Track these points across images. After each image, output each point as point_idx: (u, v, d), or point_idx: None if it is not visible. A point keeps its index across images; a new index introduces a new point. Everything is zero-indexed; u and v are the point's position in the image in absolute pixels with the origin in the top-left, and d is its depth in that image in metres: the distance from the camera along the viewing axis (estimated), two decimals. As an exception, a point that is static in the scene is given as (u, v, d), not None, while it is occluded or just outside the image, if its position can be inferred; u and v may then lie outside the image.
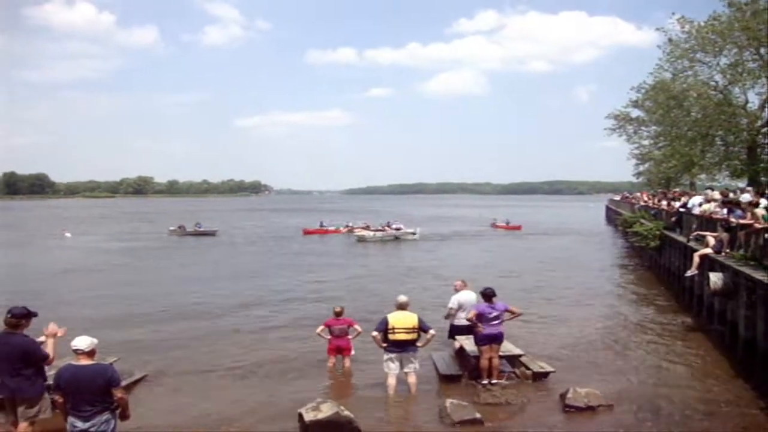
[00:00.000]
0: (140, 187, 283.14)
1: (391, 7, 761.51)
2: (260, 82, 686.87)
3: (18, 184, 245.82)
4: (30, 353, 7.31)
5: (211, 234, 50.36)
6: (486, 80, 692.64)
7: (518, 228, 56.00)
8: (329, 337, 11.58)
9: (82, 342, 6.49)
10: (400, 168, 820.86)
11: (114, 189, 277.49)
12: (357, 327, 11.54)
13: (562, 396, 9.52)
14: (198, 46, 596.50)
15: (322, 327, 11.72)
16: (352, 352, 11.63)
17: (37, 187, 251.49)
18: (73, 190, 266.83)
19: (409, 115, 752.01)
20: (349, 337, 11.58)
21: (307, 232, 52.74)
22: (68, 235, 48.60)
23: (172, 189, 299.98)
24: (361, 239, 44.27)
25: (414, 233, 46.28)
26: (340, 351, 11.57)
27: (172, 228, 51.79)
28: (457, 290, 11.98)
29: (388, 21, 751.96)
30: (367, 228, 47.69)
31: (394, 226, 47.60)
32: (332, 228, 54.85)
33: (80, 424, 6.34)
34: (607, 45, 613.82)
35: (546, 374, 10.94)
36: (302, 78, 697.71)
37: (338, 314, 11.66)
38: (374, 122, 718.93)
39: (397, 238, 44.87)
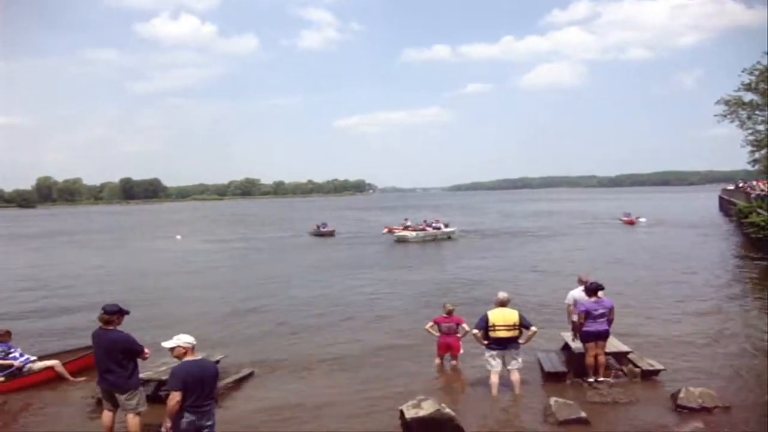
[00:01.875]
0: (247, 189, 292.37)
1: (482, 3, 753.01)
2: (357, 82, 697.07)
3: (133, 189, 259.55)
4: (129, 347, 7.76)
5: (330, 234, 49.22)
6: (585, 70, 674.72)
7: (632, 222, 53.02)
8: (438, 334, 11.59)
9: (189, 338, 6.75)
10: (503, 163, 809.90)
11: (222, 191, 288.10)
12: (465, 326, 11.38)
13: (674, 396, 9.12)
14: (295, 51, 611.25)
15: (431, 323, 11.72)
16: (461, 351, 11.56)
17: (151, 191, 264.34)
18: (183, 194, 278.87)
19: (509, 110, 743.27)
20: (458, 335, 11.52)
21: (389, 230, 50.83)
22: (179, 237, 50.63)
23: (279, 190, 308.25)
24: (401, 240, 41.67)
25: (452, 232, 44.41)
26: (449, 349, 11.52)
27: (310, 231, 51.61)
28: (582, 283, 11.43)
29: (479, 16, 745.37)
30: (406, 228, 44.86)
31: (433, 225, 45.21)
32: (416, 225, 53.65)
33: (203, 421, 6.55)
34: (713, 27, 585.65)
35: (656, 372, 10.53)
36: (399, 77, 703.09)
37: (449, 312, 11.64)
38: (474, 118, 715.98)
39: (436, 238, 42.50)
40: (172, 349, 6.72)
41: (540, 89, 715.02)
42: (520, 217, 71.40)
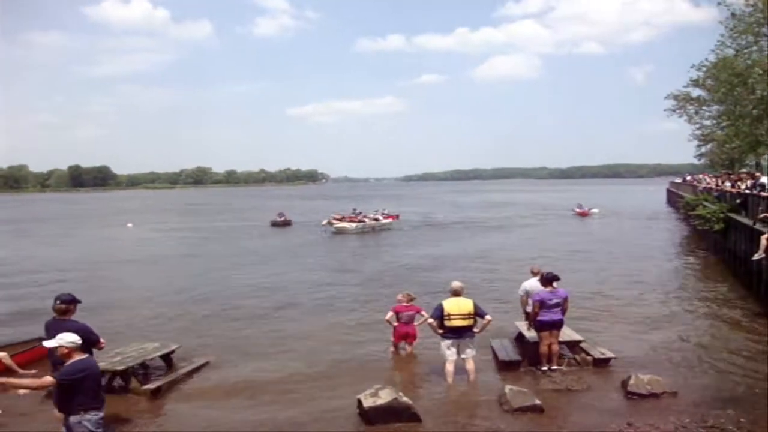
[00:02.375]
0: (199, 178, 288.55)
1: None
2: (312, 71, 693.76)
3: (82, 177, 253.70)
4: (86, 337, 7.59)
5: (287, 224, 48.42)
6: (539, 63, 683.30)
7: (585, 214, 52.72)
8: (396, 323, 11.67)
9: (74, 337, 6.55)
10: (455, 154, 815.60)
11: (174, 180, 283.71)
12: (424, 313, 11.44)
13: (624, 383, 9.37)
14: (250, 38, 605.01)
15: (391, 314, 11.77)
16: (417, 340, 11.66)
17: (100, 179, 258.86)
18: (134, 182, 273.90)
19: (462, 101, 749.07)
20: (416, 324, 11.60)
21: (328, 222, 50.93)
22: (130, 225, 49.83)
23: (231, 179, 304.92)
24: (340, 231, 40.36)
25: (390, 223, 44.28)
26: (406, 337, 11.64)
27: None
28: (534, 274, 11.66)
29: (434, 7, 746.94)
30: (342, 219, 43.16)
31: (371, 215, 44.91)
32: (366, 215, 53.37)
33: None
34: (663, 23, 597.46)
35: (607, 360, 10.79)
36: (353, 66, 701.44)
37: (410, 300, 11.74)
38: (428, 108, 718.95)
39: (373, 229, 42.17)
40: (55, 349, 6.50)
41: (494, 81, 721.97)
42: (469, 207, 71.94)
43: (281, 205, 74.55)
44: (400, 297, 11.92)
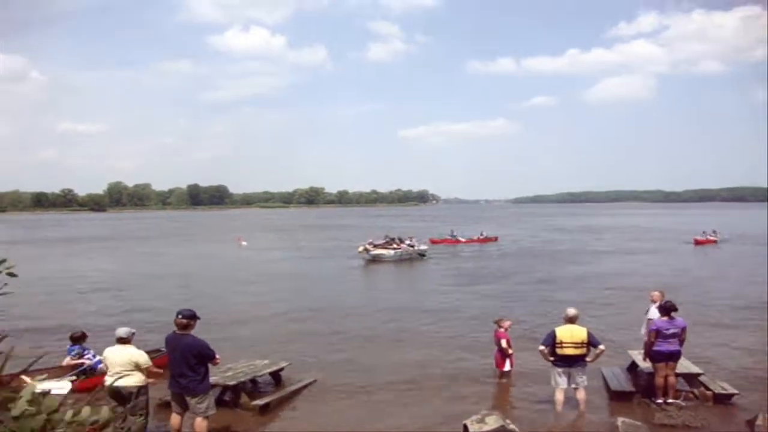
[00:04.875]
0: (312, 198, 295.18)
1: (546, 16, 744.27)
2: (423, 93, 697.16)
3: (200, 196, 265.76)
4: (203, 352, 7.90)
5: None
6: (653, 84, 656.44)
7: (709, 242, 47.74)
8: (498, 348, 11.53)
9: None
10: (567, 177, 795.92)
11: (287, 199, 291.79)
12: (503, 342, 11.40)
13: (750, 422, 8.77)
14: (363, 62, 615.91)
15: (504, 341, 11.58)
16: (506, 368, 11.49)
17: (217, 198, 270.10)
18: (249, 201, 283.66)
19: (574, 123, 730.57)
20: (510, 351, 11.41)
21: (434, 242, 49.48)
22: (244, 243, 51.49)
23: (343, 199, 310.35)
24: (377, 258, 36.89)
25: (424, 251, 39.97)
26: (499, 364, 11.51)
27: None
28: (654, 302, 11.31)
29: (544, 29, 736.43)
30: (374, 246, 38.73)
31: (407, 242, 40.38)
32: (463, 238, 52.13)
33: None
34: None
35: (729, 396, 10.16)
36: (463, 88, 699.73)
37: (504, 327, 11.56)
38: (539, 131, 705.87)
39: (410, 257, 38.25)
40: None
41: (606, 103, 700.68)
42: (577, 231, 69.88)
43: (390, 225, 75.14)
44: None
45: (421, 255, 38.89)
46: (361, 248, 37.85)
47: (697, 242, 47.19)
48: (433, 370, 12.44)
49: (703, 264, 34.90)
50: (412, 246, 39.68)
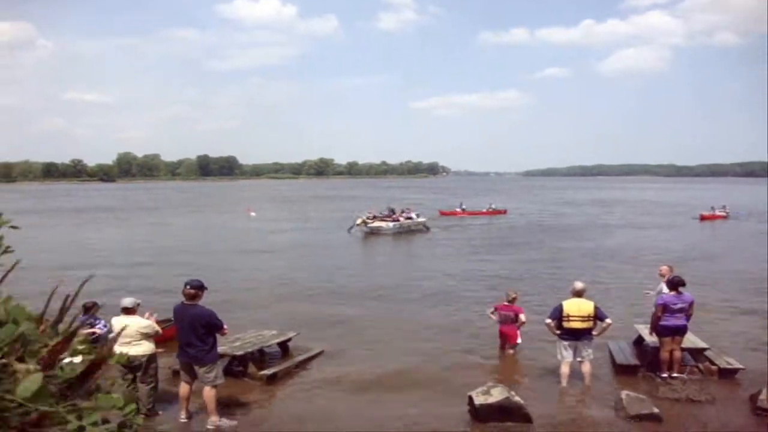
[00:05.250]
0: (321, 169, 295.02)
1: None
2: (434, 64, 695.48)
3: (210, 166, 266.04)
4: (211, 322, 7.97)
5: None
6: (668, 55, 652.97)
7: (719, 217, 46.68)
8: (496, 319, 11.62)
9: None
10: (579, 149, 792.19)
11: (297, 170, 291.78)
12: (522, 317, 11.39)
13: (753, 397, 8.79)
14: (374, 32, 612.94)
15: (492, 309, 11.82)
16: (518, 341, 11.47)
17: (226, 168, 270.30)
18: (258, 172, 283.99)
19: (587, 95, 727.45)
20: (516, 325, 11.45)
21: (443, 214, 49.66)
22: (253, 214, 51.60)
23: (352, 170, 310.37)
24: (375, 231, 36.21)
25: (424, 222, 39.26)
26: (504, 338, 11.54)
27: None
28: (662, 276, 11.25)
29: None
30: (373, 218, 37.96)
31: (405, 215, 39.46)
32: (472, 210, 51.52)
33: None
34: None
35: (734, 371, 10.18)
36: (475, 59, 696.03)
37: (511, 300, 11.59)
38: (551, 103, 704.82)
39: (411, 229, 37.66)
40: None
41: (620, 74, 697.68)
42: (586, 205, 69.63)
43: (400, 197, 75.13)
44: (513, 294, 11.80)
45: (426, 228, 38.54)
46: (359, 221, 37.19)
47: (703, 217, 46.52)
48: (438, 344, 12.49)
49: (710, 239, 34.76)
50: (410, 218, 39.04)
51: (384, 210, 40.99)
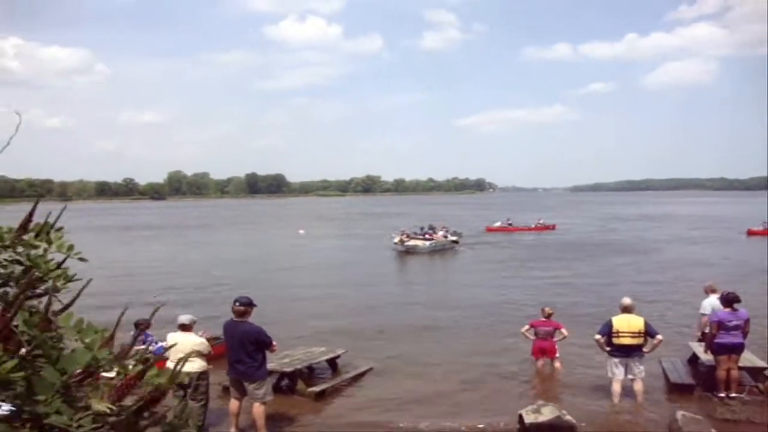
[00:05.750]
0: (368, 186, 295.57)
1: (604, 0, 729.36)
2: (479, 81, 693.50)
3: (258, 184, 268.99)
4: (260, 339, 8.05)
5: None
6: (716, 67, 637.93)
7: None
8: (533, 338, 11.46)
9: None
10: (626, 164, 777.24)
11: (344, 188, 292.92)
12: (563, 331, 11.30)
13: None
14: (418, 51, 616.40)
15: (527, 327, 11.67)
16: (557, 355, 11.36)
17: (275, 186, 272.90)
18: (306, 189, 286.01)
19: (633, 109, 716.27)
20: (555, 339, 11.34)
21: (489, 230, 50.11)
22: (302, 232, 51.96)
23: (399, 187, 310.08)
24: (411, 250, 35.10)
25: (457, 241, 38.74)
26: (544, 353, 11.38)
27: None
28: (707, 294, 11.06)
29: (601, 14, 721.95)
30: (406, 236, 37.00)
31: (441, 233, 38.90)
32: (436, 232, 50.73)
33: None
34: None
35: (796, 391, 9.85)
36: (519, 75, 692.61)
37: (548, 316, 11.48)
38: (597, 117, 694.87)
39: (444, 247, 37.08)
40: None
41: (667, 88, 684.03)
42: (633, 219, 68.29)
43: (446, 213, 74.91)
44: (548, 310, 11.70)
45: (455, 243, 38.39)
46: (396, 239, 36.73)
47: (751, 233, 44.38)
48: (485, 361, 12.37)
49: (759, 255, 33.71)
50: (446, 236, 38.73)
51: (417, 228, 40.20)
